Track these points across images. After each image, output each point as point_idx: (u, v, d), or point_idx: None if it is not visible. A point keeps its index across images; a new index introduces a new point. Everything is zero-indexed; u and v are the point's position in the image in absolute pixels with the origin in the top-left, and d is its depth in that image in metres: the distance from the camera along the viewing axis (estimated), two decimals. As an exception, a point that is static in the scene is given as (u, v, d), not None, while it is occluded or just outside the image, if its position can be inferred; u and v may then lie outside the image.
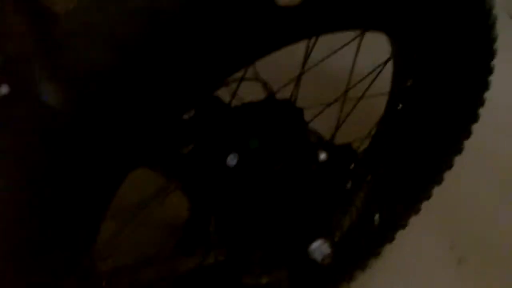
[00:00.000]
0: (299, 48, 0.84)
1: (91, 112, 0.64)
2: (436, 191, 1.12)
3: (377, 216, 0.99)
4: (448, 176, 1.12)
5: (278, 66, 0.98)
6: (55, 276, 0.76)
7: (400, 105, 1.07)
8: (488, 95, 1.03)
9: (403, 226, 1.10)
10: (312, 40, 0.90)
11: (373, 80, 0.96)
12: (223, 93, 0.92)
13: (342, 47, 0.91)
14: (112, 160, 0.70)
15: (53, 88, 0.62)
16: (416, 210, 1.09)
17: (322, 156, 0.84)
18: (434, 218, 1.41)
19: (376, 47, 0.98)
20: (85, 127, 0.65)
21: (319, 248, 0.88)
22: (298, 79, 0.88)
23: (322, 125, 0.98)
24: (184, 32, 0.66)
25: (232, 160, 0.87)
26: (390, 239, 1.11)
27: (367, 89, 0.95)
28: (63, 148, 0.65)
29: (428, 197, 1.10)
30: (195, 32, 0.67)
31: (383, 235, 1.09)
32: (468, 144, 1.09)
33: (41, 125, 0.63)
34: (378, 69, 1.00)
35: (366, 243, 1.06)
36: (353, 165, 0.86)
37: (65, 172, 0.67)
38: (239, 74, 0.89)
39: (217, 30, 0.68)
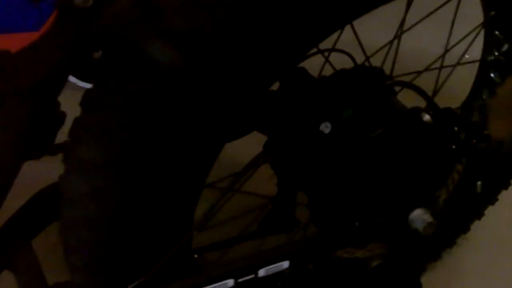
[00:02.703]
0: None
1: (197, 71, 0.63)
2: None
3: (480, 183, 0.95)
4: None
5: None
6: (152, 245, 0.75)
7: (493, 75, 1.03)
8: None
9: (506, 186, 1.06)
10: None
11: (469, 46, 0.92)
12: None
13: (435, 10, 0.88)
14: (213, 125, 0.69)
15: (161, 46, 0.61)
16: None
17: (426, 117, 0.81)
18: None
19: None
20: (191, 85, 0.64)
21: (420, 217, 0.85)
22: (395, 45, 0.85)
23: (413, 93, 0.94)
24: None
25: (325, 128, 0.85)
26: (493, 201, 1.07)
27: (463, 55, 0.91)
28: (170, 108, 0.64)
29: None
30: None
31: (485, 200, 1.05)
32: None
33: (150, 83, 0.63)
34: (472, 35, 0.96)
35: (467, 209, 1.02)
36: (456, 129, 0.82)
37: (171, 134, 0.66)
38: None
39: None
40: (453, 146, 0.83)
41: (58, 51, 0.67)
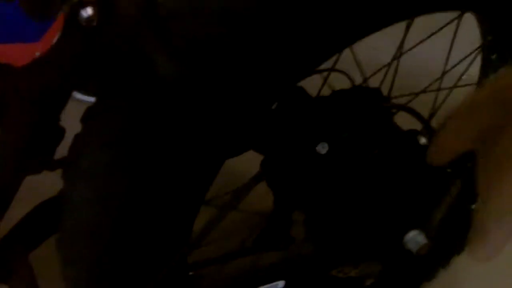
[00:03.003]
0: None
1: (199, 83, 0.64)
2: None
3: (474, 206, 0.95)
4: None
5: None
6: (152, 262, 0.76)
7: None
8: None
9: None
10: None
11: (467, 68, 0.93)
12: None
13: (436, 32, 0.89)
14: (214, 139, 0.69)
15: (165, 59, 0.62)
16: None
17: (422, 140, 0.82)
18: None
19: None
20: (195, 100, 0.64)
21: (415, 238, 0.85)
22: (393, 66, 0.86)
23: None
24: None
25: (321, 148, 0.86)
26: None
27: (460, 76, 0.92)
28: (173, 123, 0.65)
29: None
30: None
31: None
32: None
33: (153, 97, 0.63)
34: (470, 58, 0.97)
35: (462, 230, 1.02)
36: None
37: (174, 148, 0.66)
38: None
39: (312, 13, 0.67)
40: (448, 169, 0.84)
41: (63, 66, 0.68)
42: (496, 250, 0.50)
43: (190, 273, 0.88)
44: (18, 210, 0.81)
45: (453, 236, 1.06)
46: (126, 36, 0.64)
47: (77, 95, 1.19)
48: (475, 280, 1.28)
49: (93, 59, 0.66)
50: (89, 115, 0.68)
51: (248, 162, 0.93)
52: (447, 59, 0.93)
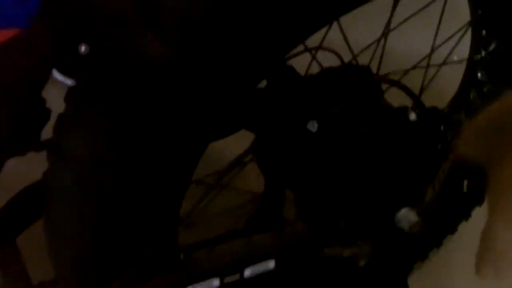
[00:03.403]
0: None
1: (186, 63, 0.63)
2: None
3: (465, 182, 0.95)
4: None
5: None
6: (139, 245, 0.75)
7: (479, 74, 1.03)
8: None
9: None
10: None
11: (456, 45, 0.92)
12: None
13: (423, 8, 0.88)
14: (200, 119, 0.68)
15: (150, 39, 0.61)
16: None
17: (412, 116, 0.81)
18: None
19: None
20: (180, 80, 0.63)
21: (406, 216, 0.85)
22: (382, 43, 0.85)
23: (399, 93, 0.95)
24: None
25: (312, 126, 0.85)
26: (480, 202, 1.07)
27: (450, 53, 0.91)
28: (158, 103, 0.64)
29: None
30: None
31: (472, 200, 1.05)
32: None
33: (140, 77, 0.62)
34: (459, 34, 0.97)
35: (453, 210, 1.02)
36: (442, 127, 0.82)
37: (160, 128, 0.65)
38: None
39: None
40: (439, 145, 0.83)
41: (42, 43, 0.67)
42: (507, 270, 0.50)
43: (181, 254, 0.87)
44: (4, 195, 0.80)
45: (446, 214, 1.06)
46: (110, 14, 0.63)
47: (62, 77, 1.17)
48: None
49: (76, 34, 0.65)
50: (72, 94, 0.67)
51: (240, 141, 0.93)
52: (435, 35, 0.92)
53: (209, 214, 0.87)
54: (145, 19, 0.62)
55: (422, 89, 0.92)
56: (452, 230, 1.17)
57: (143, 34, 0.62)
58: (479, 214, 1.18)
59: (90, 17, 0.65)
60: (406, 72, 0.93)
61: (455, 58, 1.04)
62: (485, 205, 1.12)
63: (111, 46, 0.64)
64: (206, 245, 0.99)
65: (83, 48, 0.67)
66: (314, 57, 0.89)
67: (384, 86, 0.92)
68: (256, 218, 1.02)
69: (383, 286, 1.05)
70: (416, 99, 0.83)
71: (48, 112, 0.75)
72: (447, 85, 1.06)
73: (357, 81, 0.89)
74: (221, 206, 0.93)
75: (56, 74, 1.10)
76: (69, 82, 0.90)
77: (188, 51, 0.63)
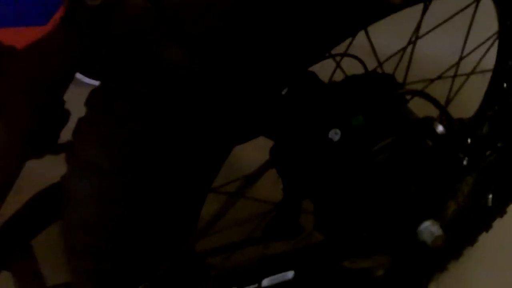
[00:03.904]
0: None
1: (208, 74, 0.61)
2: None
3: (490, 196, 0.93)
4: None
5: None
6: (156, 250, 0.74)
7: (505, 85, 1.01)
8: None
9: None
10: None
11: (484, 55, 0.90)
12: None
13: (451, 17, 0.86)
14: (223, 127, 0.67)
15: (174, 48, 0.60)
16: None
17: (439, 129, 0.79)
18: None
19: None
20: (202, 88, 0.62)
21: (429, 229, 0.83)
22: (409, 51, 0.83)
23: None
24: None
25: (334, 135, 0.83)
26: (502, 213, 1.05)
27: (478, 62, 0.89)
28: (180, 111, 0.63)
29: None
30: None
31: (494, 213, 1.03)
32: None
33: (160, 85, 0.61)
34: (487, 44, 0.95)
35: (476, 222, 1.00)
36: (470, 140, 0.80)
37: (180, 136, 0.64)
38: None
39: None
40: (465, 158, 0.81)
41: (65, 48, 0.66)
42: None
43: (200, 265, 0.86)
44: (21, 197, 0.79)
45: (466, 227, 1.04)
46: (132, 19, 0.62)
47: (85, 79, 1.17)
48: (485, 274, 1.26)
49: (98, 40, 0.63)
50: (93, 98, 0.66)
51: (258, 150, 0.91)
52: (464, 44, 0.90)
53: (225, 223, 0.86)
54: (165, 27, 0.61)
55: (448, 100, 0.90)
56: (472, 241, 1.15)
57: (163, 42, 0.61)
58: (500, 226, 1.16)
59: (114, 23, 0.64)
60: (432, 81, 0.91)
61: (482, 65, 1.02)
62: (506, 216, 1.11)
63: (135, 53, 0.63)
64: (222, 251, 0.97)
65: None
66: (338, 64, 0.88)
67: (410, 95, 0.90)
68: (273, 226, 1.00)
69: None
70: (444, 110, 0.81)
71: (67, 114, 0.74)
72: (474, 95, 1.04)
73: (381, 90, 0.87)
74: (237, 214, 0.92)
75: (83, 77, 1.10)
76: (90, 82, 0.89)
77: (210, 60, 0.62)
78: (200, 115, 0.64)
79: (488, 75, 1.03)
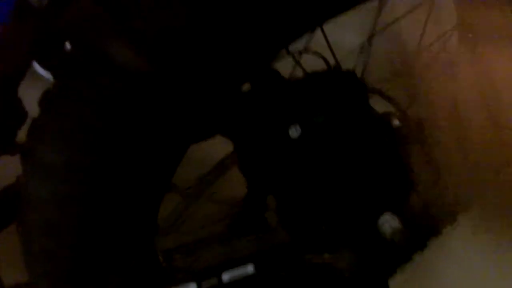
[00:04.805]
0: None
1: (158, 70, 0.61)
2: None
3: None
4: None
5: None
6: (116, 251, 0.73)
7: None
8: None
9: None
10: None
11: (443, 46, 0.91)
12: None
13: (411, 11, 0.87)
14: (177, 127, 0.67)
15: (124, 48, 0.59)
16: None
17: (395, 122, 0.80)
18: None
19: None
20: (155, 87, 0.62)
21: (388, 222, 0.83)
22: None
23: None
24: None
25: (294, 132, 0.83)
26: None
27: (436, 55, 0.90)
28: (131, 110, 0.62)
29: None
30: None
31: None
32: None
33: (113, 83, 0.61)
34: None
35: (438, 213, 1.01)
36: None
37: (135, 135, 0.64)
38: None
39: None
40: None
41: (17, 47, 0.65)
42: None
43: (163, 264, 0.86)
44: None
45: (431, 218, 1.04)
46: (82, 20, 0.61)
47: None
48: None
49: (47, 40, 0.63)
50: (45, 98, 0.65)
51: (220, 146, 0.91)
52: (421, 37, 0.91)
53: (191, 221, 0.86)
54: (113, 25, 0.60)
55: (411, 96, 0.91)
56: (437, 232, 1.16)
57: (111, 40, 0.60)
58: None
59: (62, 23, 0.64)
60: (390, 79, 0.91)
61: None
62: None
63: (86, 51, 0.63)
64: (185, 250, 0.97)
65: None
66: (297, 62, 0.88)
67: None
68: (238, 223, 1.00)
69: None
70: (399, 108, 0.81)
71: (24, 114, 0.73)
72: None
73: (342, 87, 0.88)
74: (202, 212, 0.92)
75: (40, 69, 1.08)
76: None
77: (159, 57, 0.61)
78: (151, 114, 0.64)
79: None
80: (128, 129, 0.64)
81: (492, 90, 0.92)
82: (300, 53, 0.90)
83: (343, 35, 0.93)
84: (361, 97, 0.87)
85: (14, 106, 0.72)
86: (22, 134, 0.73)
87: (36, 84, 0.71)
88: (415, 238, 1.07)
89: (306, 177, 0.83)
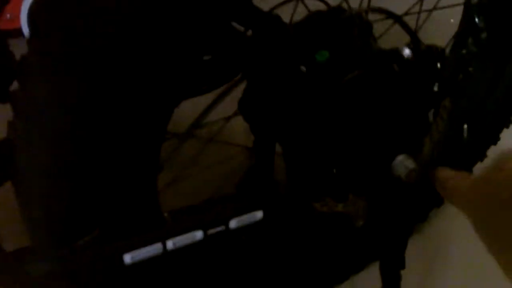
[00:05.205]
0: None
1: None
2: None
3: (465, 127, 0.89)
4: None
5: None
6: (115, 201, 0.70)
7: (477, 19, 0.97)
8: None
9: (495, 141, 1.00)
10: None
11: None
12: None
13: None
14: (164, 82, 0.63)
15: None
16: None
17: (406, 52, 0.75)
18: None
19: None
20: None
21: (403, 162, 0.79)
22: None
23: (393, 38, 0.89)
24: None
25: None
26: (482, 157, 1.01)
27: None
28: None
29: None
30: None
31: (473, 152, 0.99)
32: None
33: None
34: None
35: (455, 159, 0.96)
36: (439, 65, 0.76)
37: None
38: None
39: None
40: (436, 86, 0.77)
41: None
42: None
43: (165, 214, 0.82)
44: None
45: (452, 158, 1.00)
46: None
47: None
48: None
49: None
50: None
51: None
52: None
53: (198, 168, 0.82)
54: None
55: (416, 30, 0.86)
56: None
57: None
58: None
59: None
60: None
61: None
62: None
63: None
64: (194, 211, 0.93)
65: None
66: (295, 7, 0.84)
67: (379, 31, 0.86)
68: (246, 181, 0.96)
69: (382, 247, 1.00)
70: (413, 34, 0.76)
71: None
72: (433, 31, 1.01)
73: (346, 24, 0.84)
74: (209, 160, 0.88)
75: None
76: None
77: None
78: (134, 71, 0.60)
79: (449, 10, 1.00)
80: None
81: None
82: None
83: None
84: (367, 34, 0.83)
85: (6, 59, 0.69)
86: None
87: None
88: (430, 193, 1.03)
89: (313, 119, 0.79)
